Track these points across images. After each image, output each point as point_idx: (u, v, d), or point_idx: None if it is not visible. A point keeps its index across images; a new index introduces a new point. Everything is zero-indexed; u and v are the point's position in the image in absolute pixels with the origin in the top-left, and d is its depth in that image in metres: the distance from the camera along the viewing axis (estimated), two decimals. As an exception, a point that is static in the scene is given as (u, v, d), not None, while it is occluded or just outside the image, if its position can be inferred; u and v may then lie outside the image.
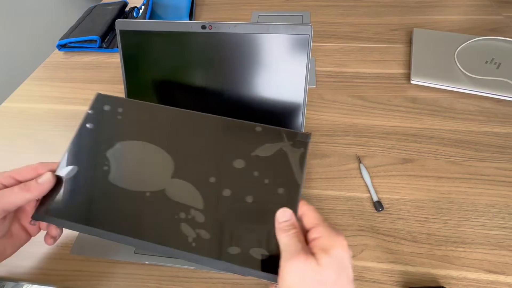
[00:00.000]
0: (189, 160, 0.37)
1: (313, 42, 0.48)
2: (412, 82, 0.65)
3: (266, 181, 0.34)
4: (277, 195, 0.34)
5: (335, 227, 0.31)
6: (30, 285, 0.44)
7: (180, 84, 0.53)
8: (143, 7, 0.88)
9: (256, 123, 0.38)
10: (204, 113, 0.40)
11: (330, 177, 0.51)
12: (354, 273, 0.41)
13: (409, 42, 0.75)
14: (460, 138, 0.56)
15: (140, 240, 0.33)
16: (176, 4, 0.91)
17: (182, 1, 0.91)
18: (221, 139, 0.38)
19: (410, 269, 0.42)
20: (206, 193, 0.35)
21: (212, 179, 0.35)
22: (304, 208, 0.32)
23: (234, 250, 0.32)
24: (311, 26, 0.46)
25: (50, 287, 0.43)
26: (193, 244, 0.33)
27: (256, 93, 0.51)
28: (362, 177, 0.51)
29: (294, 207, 0.33)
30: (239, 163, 0.36)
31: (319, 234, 0.30)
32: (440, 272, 0.41)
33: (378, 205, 0.47)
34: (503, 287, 0.40)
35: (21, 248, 0.45)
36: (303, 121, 0.51)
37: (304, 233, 0.31)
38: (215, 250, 0.32)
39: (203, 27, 0.49)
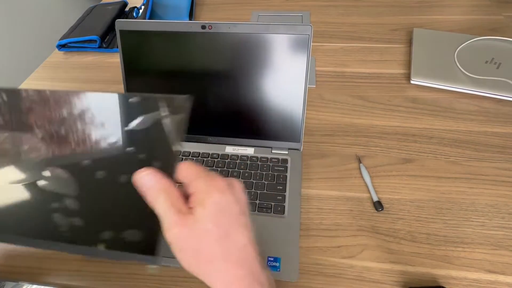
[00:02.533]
0: (61, 144, 0.33)
1: (313, 42, 0.48)
2: (412, 82, 0.65)
3: (142, 156, 0.31)
4: None
5: (213, 175, 0.28)
6: (30, 285, 0.44)
7: (179, 84, 0.53)
8: (143, 7, 0.88)
9: (131, 93, 0.34)
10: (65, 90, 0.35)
11: (330, 177, 0.51)
12: (353, 273, 0.41)
13: (409, 42, 0.75)
14: (460, 138, 0.56)
15: (17, 236, 0.31)
16: (176, 4, 0.91)
17: (182, 1, 0.91)
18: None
19: (410, 269, 0.41)
20: (80, 178, 0.32)
21: (86, 162, 0.32)
22: (181, 166, 0.28)
23: (107, 235, 0.30)
24: (311, 26, 0.46)
25: (50, 287, 0.43)
26: (66, 234, 0.31)
27: (256, 93, 0.51)
28: (362, 177, 0.51)
29: (171, 176, 0.29)
30: (112, 140, 0.33)
31: (195, 188, 0.27)
32: (440, 272, 0.41)
33: (378, 205, 0.47)
34: (503, 287, 0.40)
35: (21, 248, 0.46)
36: (303, 121, 0.51)
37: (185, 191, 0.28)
38: (88, 237, 0.30)
39: (203, 27, 0.48)
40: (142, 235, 0.29)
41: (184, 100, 0.32)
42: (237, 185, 0.28)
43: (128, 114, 0.33)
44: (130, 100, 0.34)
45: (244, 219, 0.27)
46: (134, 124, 0.32)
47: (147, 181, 0.28)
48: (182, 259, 0.27)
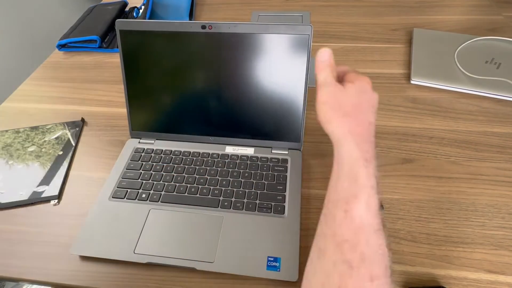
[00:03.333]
0: None
1: (313, 42, 0.48)
2: (412, 82, 0.65)
3: (56, 147, 0.60)
4: (58, 155, 0.58)
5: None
6: (30, 285, 0.44)
7: (179, 84, 0.53)
8: (143, 7, 0.88)
9: (48, 123, 0.64)
10: None
11: (330, 177, 0.51)
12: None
13: (409, 42, 0.75)
14: (460, 138, 0.56)
15: None
16: (176, 4, 0.91)
17: (182, 1, 0.91)
18: None
19: (410, 269, 0.41)
20: None
21: None
22: (342, 67, 0.40)
23: (25, 191, 0.53)
24: (311, 26, 0.46)
25: (50, 287, 0.43)
26: None
27: (256, 93, 0.51)
28: (362, 177, 0.51)
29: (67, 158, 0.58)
30: (32, 147, 0.60)
31: (348, 76, 0.37)
32: (440, 272, 0.41)
33: (378, 205, 0.47)
34: (503, 287, 0.40)
35: (20, 248, 0.45)
36: (303, 120, 0.51)
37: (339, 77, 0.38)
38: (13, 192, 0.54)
39: (203, 27, 0.49)
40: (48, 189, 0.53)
41: (79, 122, 0.64)
42: (376, 95, 0.37)
43: (46, 133, 0.62)
44: (47, 127, 0.63)
45: (373, 109, 0.36)
46: (50, 137, 0.61)
47: (323, 55, 0.37)
48: (323, 109, 0.36)
